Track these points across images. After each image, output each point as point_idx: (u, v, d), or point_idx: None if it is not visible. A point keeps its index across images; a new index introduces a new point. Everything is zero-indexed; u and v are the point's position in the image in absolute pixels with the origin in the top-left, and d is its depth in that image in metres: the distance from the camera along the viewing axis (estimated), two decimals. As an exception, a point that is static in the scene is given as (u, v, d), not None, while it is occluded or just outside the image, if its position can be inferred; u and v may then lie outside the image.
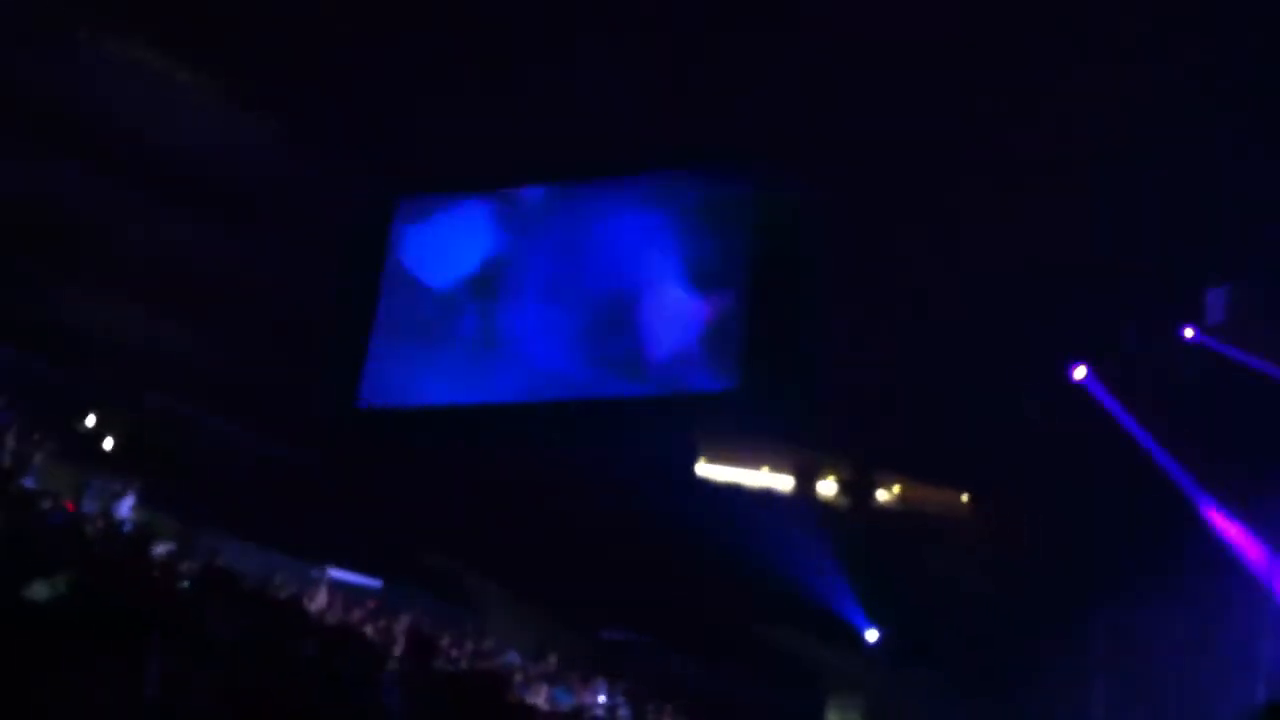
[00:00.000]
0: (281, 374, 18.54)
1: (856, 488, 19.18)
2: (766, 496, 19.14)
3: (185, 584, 6.08)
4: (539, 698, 12.21)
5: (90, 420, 17.93)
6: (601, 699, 14.20)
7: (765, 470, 19.55)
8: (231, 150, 18.05)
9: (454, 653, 11.69)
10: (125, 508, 13.25)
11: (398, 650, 8.29)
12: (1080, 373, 15.35)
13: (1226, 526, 13.56)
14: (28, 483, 11.50)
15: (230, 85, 18.12)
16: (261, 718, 3.06)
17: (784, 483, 19.51)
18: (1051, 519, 15.39)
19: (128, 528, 11.22)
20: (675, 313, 17.50)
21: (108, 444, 17.82)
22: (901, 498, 19.26)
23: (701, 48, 14.94)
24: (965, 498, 18.66)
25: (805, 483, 19.31)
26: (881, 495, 19.35)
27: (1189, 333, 14.13)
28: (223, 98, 18.14)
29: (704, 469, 19.53)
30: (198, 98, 18.20)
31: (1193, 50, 12.15)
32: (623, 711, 13.50)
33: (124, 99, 17.40)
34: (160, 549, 10.36)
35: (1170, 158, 12.63)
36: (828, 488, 19.35)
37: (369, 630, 10.74)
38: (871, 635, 17.59)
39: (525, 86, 16.27)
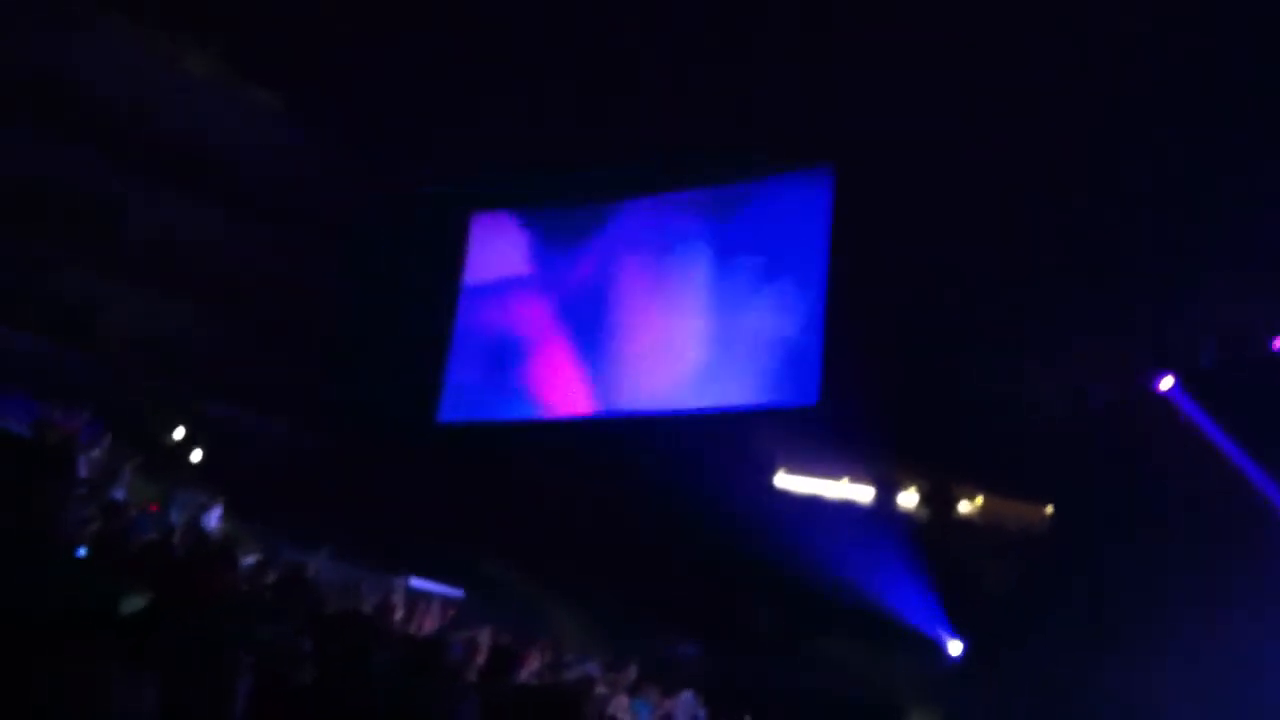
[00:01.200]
0: (363, 390, 18.83)
1: (937, 499, 19.02)
2: (847, 508, 19.04)
3: (270, 595, 6.19)
4: (620, 709, 12.20)
5: (178, 433, 18.27)
6: (684, 711, 14.14)
7: (845, 482, 19.45)
8: (309, 169, 18.39)
9: (533, 664, 11.72)
10: (213, 519, 13.48)
11: (480, 659, 8.33)
12: (1167, 384, 15.09)
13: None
14: (117, 494, 11.75)
15: (302, 102, 18.48)
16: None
17: (864, 494, 19.40)
18: (1133, 532, 15.14)
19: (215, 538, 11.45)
20: (754, 326, 17.49)
21: (195, 456, 18.15)
22: (983, 510, 19.06)
23: (777, 52, 14.99)
24: (1048, 509, 18.42)
25: (886, 494, 19.19)
26: (963, 507, 19.17)
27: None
28: (296, 115, 18.49)
29: (783, 480, 19.48)
30: (272, 117, 18.58)
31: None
32: (702, 722, 13.44)
33: (190, 113, 17.82)
34: (248, 560, 10.57)
35: (1254, 158, 12.41)
36: (908, 499, 19.21)
37: (452, 639, 10.82)
38: (955, 647, 17.41)
39: (599, 99, 16.38)
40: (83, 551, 4.99)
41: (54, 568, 2.92)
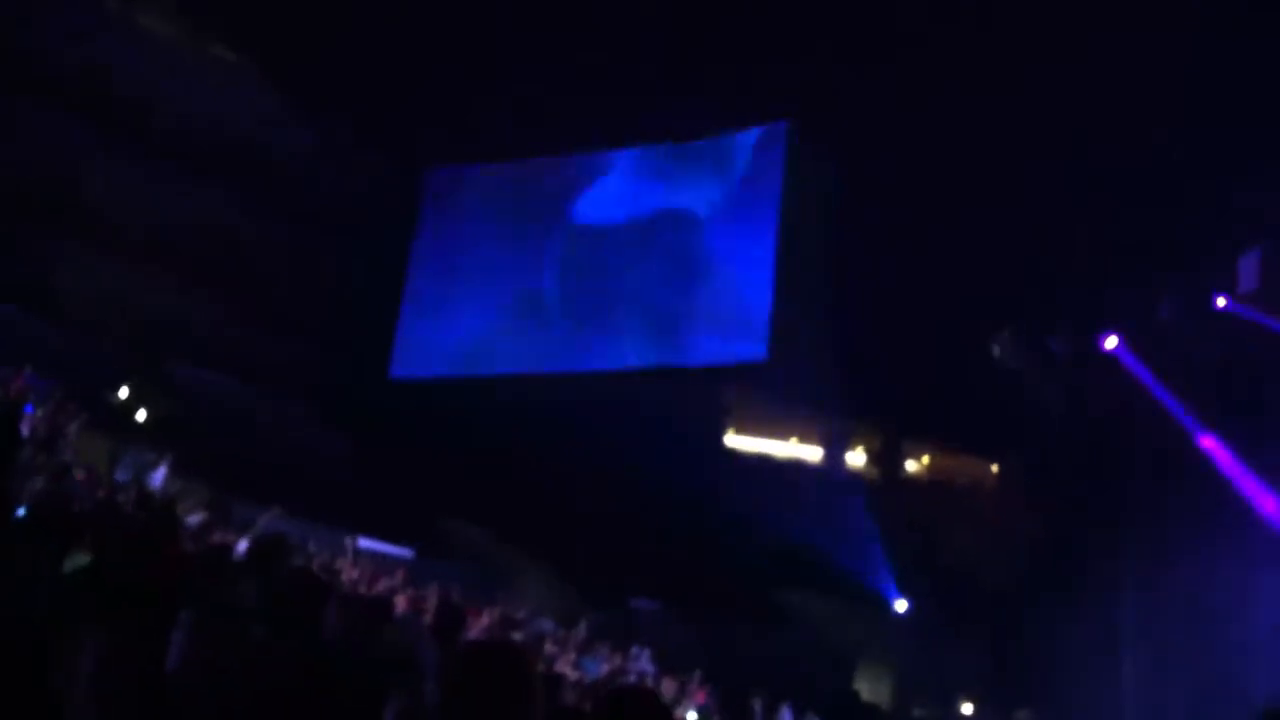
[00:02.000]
0: (312, 347, 18.67)
1: (885, 457, 19.18)
2: (795, 466, 19.16)
3: (217, 554, 6.13)
4: (567, 666, 12.26)
5: (123, 392, 18.05)
6: (637, 666, 14.24)
7: (794, 441, 19.56)
8: (261, 125, 18.20)
9: (483, 623, 11.74)
10: (158, 478, 13.34)
11: (427, 619, 8.31)
12: (1111, 342, 15.25)
13: (1259, 495, 13.47)
14: (64, 454, 11.60)
15: (252, 57, 18.31)
16: (291, 687, 3.09)
17: (813, 453, 19.52)
18: (1081, 488, 15.35)
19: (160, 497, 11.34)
20: (705, 284, 17.49)
21: (140, 415, 17.94)
22: (930, 467, 19.24)
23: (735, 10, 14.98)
24: (994, 467, 18.63)
25: (834, 453, 19.32)
26: (910, 465, 19.34)
27: (1221, 301, 13.98)
28: (248, 71, 18.31)
29: (732, 439, 19.57)
30: (228, 74, 18.37)
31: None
32: (651, 678, 13.53)
33: (158, 73, 17.62)
34: (193, 519, 10.47)
35: (1200, 121, 12.52)
36: (856, 458, 19.35)
37: (400, 600, 10.80)
38: (900, 605, 17.60)
39: (553, 56, 16.29)
40: (21, 512, 4.91)
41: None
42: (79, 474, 10.96)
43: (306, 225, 19.00)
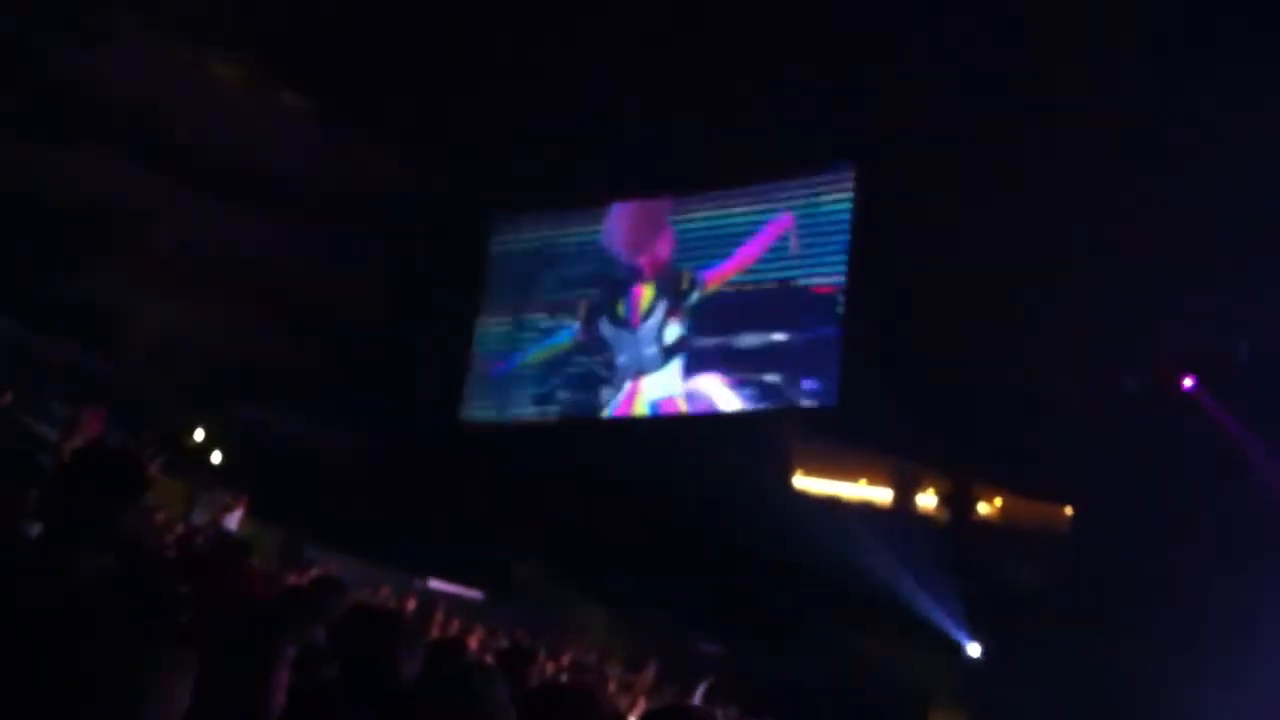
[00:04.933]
0: (385, 389, 18.88)
1: (956, 500, 18.99)
2: (865, 509, 19.03)
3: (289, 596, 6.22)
4: (635, 710, 12.21)
5: (198, 434, 18.36)
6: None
7: (863, 483, 19.44)
8: (326, 163, 18.46)
9: (550, 666, 11.75)
10: (233, 520, 13.55)
11: (488, 659, 8.34)
12: (1188, 382, 15.01)
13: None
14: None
15: (315, 94, 18.59)
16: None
17: (883, 495, 19.39)
18: (1156, 532, 15.07)
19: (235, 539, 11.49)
20: (776, 327, 17.46)
21: (216, 457, 18.23)
22: (1002, 510, 19.02)
23: (795, 53, 15.02)
24: (1067, 510, 18.35)
25: (904, 495, 19.17)
26: (982, 508, 19.13)
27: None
28: (313, 108, 18.60)
29: (801, 480, 19.48)
30: (291, 111, 18.67)
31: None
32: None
33: (217, 110, 17.95)
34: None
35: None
36: (927, 500, 19.18)
37: (471, 640, 10.86)
38: (973, 649, 17.37)
39: (613, 97, 16.41)
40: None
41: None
42: (159, 516, 11.16)
43: (378, 265, 19.26)
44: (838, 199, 17.22)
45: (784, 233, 17.57)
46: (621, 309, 18.86)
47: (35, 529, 3.59)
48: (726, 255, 18.08)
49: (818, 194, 17.46)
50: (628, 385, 18.42)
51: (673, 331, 18.19)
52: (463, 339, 20.22)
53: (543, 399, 19.34)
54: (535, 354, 19.57)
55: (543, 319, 19.70)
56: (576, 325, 19.28)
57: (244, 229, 18.35)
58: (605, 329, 18.91)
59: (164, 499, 13.33)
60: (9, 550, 3.44)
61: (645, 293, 18.74)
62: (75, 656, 1.57)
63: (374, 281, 19.53)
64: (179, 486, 15.41)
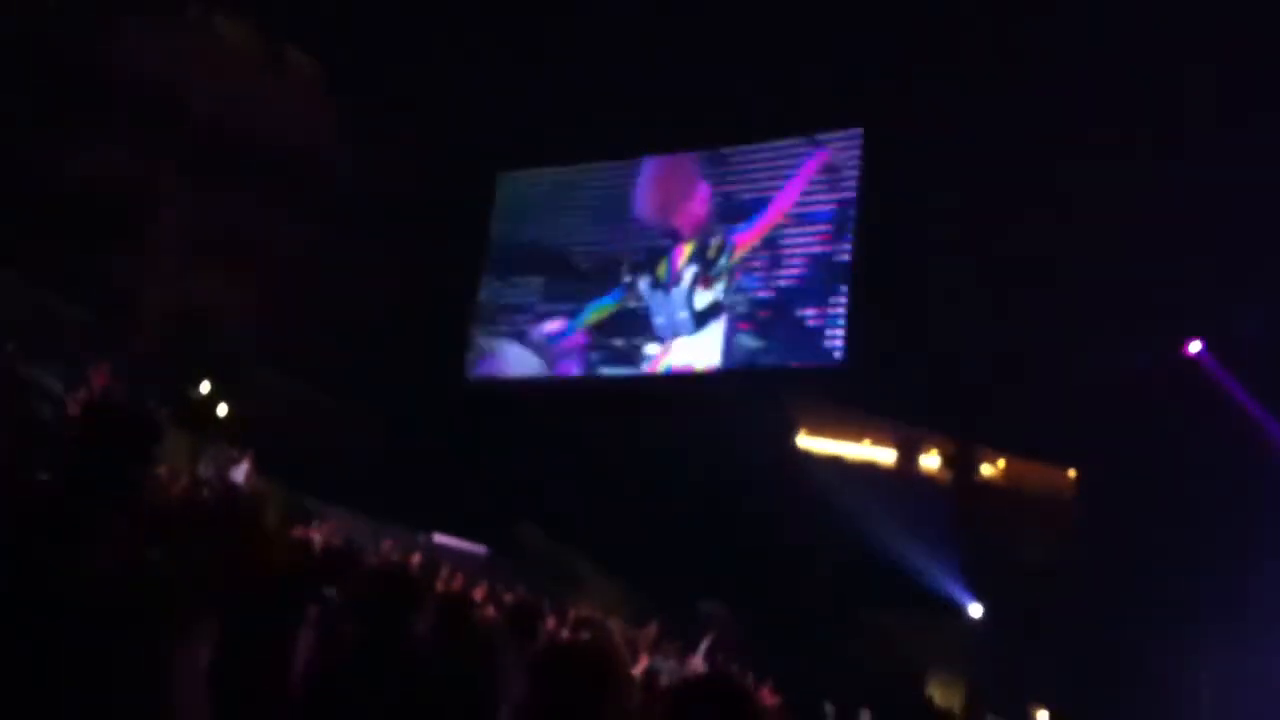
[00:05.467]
0: (389, 349, 18.86)
1: (959, 461, 18.99)
2: (868, 469, 19.03)
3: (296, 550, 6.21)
4: (638, 666, 12.24)
5: (204, 387, 18.35)
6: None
7: (867, 443, 19.44)
8: (331, 136, 18.44)
9: (552, 623, 11.76)
10: (240, 474, 13.53)
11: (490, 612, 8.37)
12: (1195, 347, 14.96)
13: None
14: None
15: (321, 69, 18.57)
16: (372, 681, 3.13)
17: (886, 456, 19.38)
18: (1159, 495, 15.07)
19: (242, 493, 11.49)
20: (781, 287, 17.42)
21: (221, 410, 18.22)
22: (1005, 472, 19.02)
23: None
24: (1071, 473, 18.36)
25: (907, 456, 19.17)
26: (985, 469, 19.13)
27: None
28: (317, 83, 18.58)
29: (805, 441, 19.47)
30: (296, 85, 18.66)
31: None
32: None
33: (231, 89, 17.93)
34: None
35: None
36: (930, 461, 19.18)
37: (476, 592, 10.86)
38: (974, 610, 17.42)
39: (619, 58, 16.34)
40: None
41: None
42: (161, 469, 11.14)
43: (377, 231, 19.20)
44: (847, 161, 17.17)
45: (817, 173, 17.47)
46: (663, 270, 18.78)
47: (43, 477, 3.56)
48: (759, 211, 17.98)
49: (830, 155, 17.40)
50: (658, 348, 18.40)
51: (704, 298, 18.14)
52: (471, 298, 20.20)
53: (551, 356, 19.35)
54: (591, 314, 19.43)
55: (574, 282, 19.62)
56: (619, 286, 19.16)
57: (251, 200, 18.37)
58: (645, 290, 18.86)
59: (168, 452, 13.35)
60: (20, 503, 3.41)
61: (685, 251, 18.66)
62: (94, 626, 1.55)
63: (378, 246, 19.49)
64: (183, 440, 15.39)
